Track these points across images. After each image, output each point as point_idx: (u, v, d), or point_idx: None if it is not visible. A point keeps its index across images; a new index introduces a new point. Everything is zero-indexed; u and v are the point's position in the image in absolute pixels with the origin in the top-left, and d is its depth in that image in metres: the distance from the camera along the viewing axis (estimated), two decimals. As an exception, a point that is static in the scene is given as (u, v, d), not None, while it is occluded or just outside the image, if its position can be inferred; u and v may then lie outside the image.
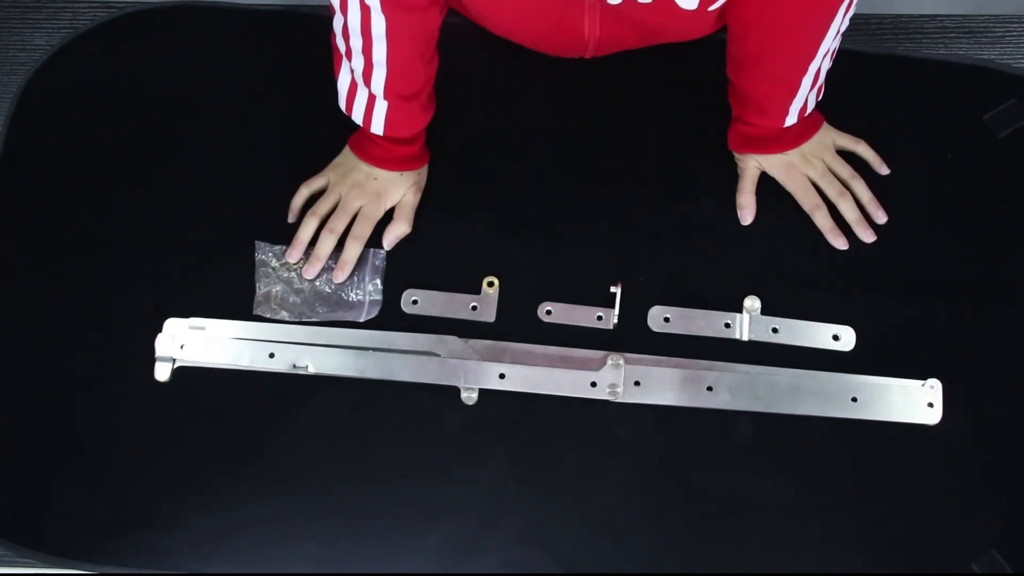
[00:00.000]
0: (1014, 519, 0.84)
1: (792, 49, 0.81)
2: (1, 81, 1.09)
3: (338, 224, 0.89)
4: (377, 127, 0.86)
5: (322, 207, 0.90)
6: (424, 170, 0.92)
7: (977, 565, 0.82)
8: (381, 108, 0.85)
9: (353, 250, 0.89)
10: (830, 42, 0.80)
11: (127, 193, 0.95)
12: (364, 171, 0.90)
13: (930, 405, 0.86)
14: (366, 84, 0.83)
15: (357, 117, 0.86)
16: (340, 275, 0.89)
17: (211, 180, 0.95)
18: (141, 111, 0.98)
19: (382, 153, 0.89)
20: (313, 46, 0.98)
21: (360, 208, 0.90)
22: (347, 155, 0.91)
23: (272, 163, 0.95)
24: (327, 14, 0.99)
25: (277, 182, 0.94)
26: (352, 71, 0.84)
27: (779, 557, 0.83)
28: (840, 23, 0.79)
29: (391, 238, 0.91)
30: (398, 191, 0.90)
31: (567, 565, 0.83)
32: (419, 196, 0.92)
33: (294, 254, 0.89)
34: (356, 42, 0.80)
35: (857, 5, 0.81)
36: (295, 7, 1.02)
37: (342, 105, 0.87)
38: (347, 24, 0.80)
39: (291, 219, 0.91)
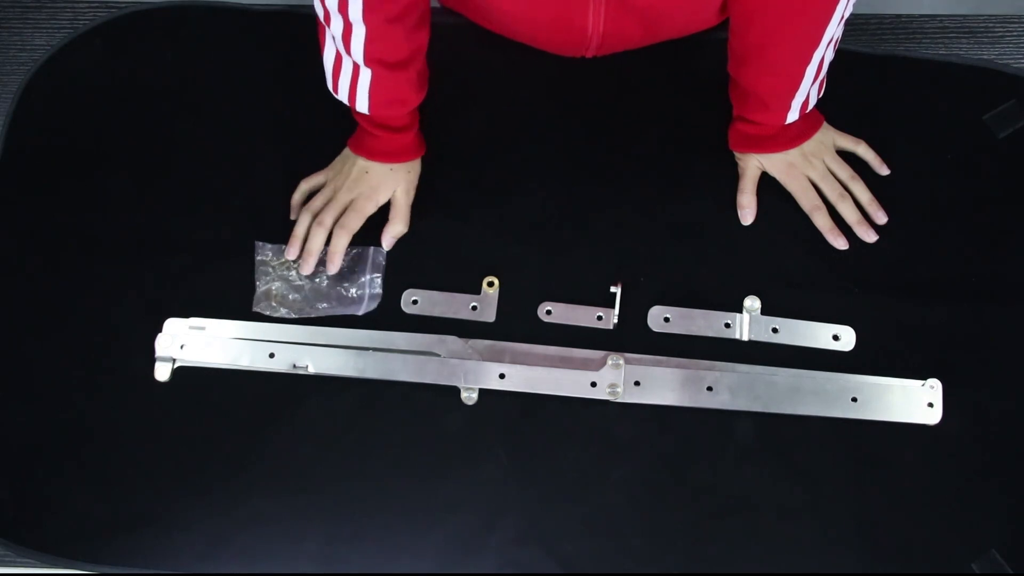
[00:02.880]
0: (1014, 519, 0.84)
1: (796, 36, 0.81)
2: (1, 81, 1.09)
3: (327, 217, 0.89)
4: (362, 103, 0.85)
5: (316, 202, 0.91)
6: (416, 167, 0.92)
7: (977, 565, 0.82)
8: (365, 79, 0.83)
9: (341, 241, 0.89)
10: (834, 29, 0.80)
11: (127, 193, 0.95)
12: (358, 165, 0.90)
13: (930, 405, 0.86)
14: (347, 49, 0.81)
15: (343, 94, 0.85)
16: (331, 267, 0.89)
17: (211, 180, 0.95)
18: (141, 111, 0.98)
19: (374, 144, 0.88)
20: (313, 46, 0.97)
21: (352, 201, 0.90)
22: (344, 153, 0.92)
23: (272, 163, 0.95)
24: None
25: (277, 182, 0.94)
26: (333, 38, 0.82)
27: (779, 557, 0.83)
28: (844, 9, 0.79)
29: (388, 238, 0.91)
30: (389, 185, 0.90)
31: (567, 565, 0.83)
32: (412, 194, 0.92)
33: (292, 251, 0.90)
34: (332, 3, 0.79)
35: (857, 4, 0.81)
36: (295, 7, 1.02)
37: (329, 84, 0.86)
38: None
39: (293, 216, 0.92)
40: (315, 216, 0.90)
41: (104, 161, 0.96)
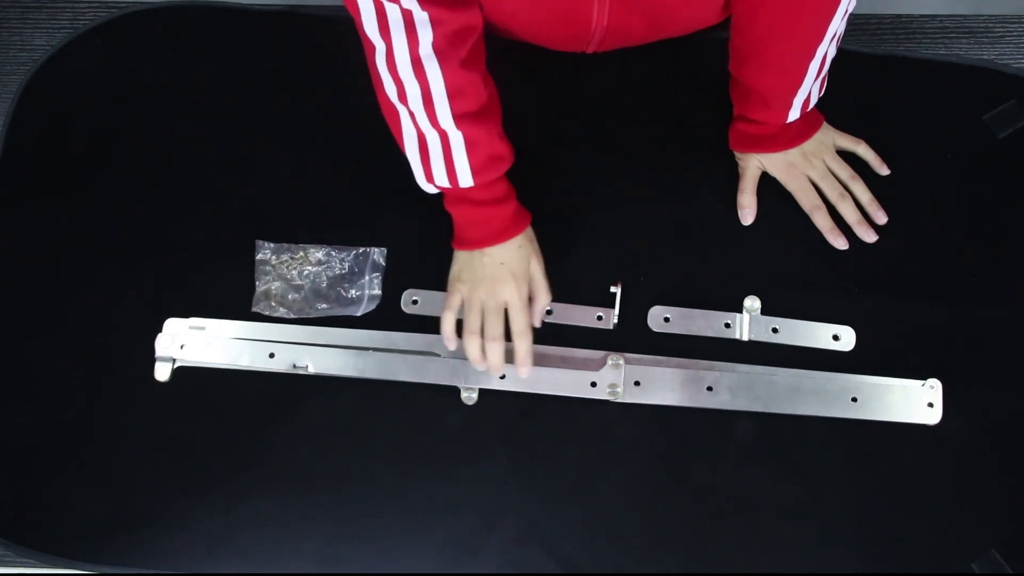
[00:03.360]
0: (1014, 519, 0.84)
1: (799, 32, 0.81)
2: (1, 81, 1.09)
3: (495, 330, 0.84)
4: (463, 173, 0.80)
5: (473, 323, 0.84)
6: (533, 235, 0.87)
7: (977, 565, 0.82)
8: (458, 144, 0.79)
9: (524, 343, 0.85)
10: (837, 24, 0.80)
11: (127, 193, 0.95)
12: (485, 262, 0.84)
13: (930, 405, 0.86)
14: (431, 119, 0.78)
15: (440, 175, 0.81)
16: (527, 370, 0.85)
17: (211, 180, 0.95)
18: (141, 111, 0.98)
19: (490, 227, 0.84)
20: (313, 46, 0.98)
21: (506, 302, 0.84)
22: (462, 260, 0.87)
23: (272, 163, 0.95)
24: (327, 14, 0.99)
25: (277, 182, 0.94)
26: (413, 116, 0.78)
27: (779, 557, 0.83)
28: (847, 3, 0.79)
29: (538, 317, 0.87)
30: (524, 263, 0.85)
31: (567, 565, 0.83)
32: (543, 262, 0.87)
33: (482, 369, 0.86)
34: (406, 70, 0.76)
35: (858, 4, 0.81)
36: (295, 7, 1.02)
37: (422, 178, 0.82)
38: (392, 53, 0.76)
39: (452, 347, 0.87)
40: (478, 334, 0.84)
41: (104, 161, 0.96)
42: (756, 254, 0.91)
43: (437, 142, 0.80)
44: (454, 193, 0.83)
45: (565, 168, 0.94)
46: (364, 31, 0.76)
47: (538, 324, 0.87)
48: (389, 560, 0.84)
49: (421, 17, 0.74)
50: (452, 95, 0.77)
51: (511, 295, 0.84)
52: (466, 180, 0.81)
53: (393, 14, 0.74)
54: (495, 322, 0.84)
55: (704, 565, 0.83)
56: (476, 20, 0.79)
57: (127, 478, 0.86)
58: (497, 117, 0.83)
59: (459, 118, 0.78)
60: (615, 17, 0.86)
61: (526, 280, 0.85)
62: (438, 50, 0.75)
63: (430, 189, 0.84)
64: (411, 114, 0.79)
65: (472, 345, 0.84)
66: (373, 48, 0.77)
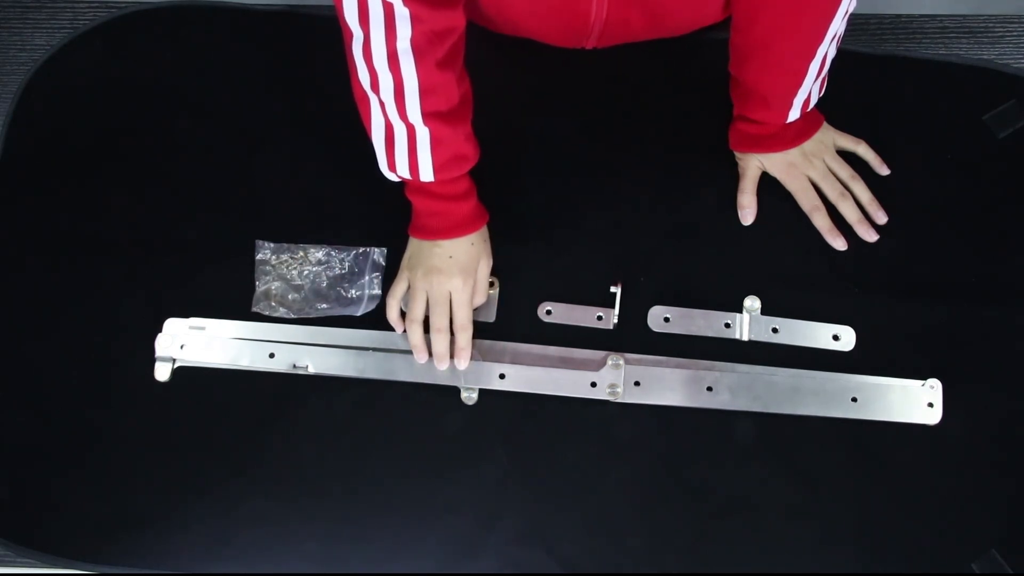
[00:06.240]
0: (1014, 519, 0.84)
1: (800, 32, 0.81)
2: (1, 81, 1.09)
3: (441, 321, 0.85)
4: (425, 168, 0.81)
5: (416, 311, 0.86)
6: (488, 236, 0.88)
7: (977, 565, 0.82)
8: (423, 141, 0.79)
9: (465, 337, 0.86)
10: (837, 24, 0.80)
11: (127, 193, 0.95)
12: (437, 253, 0.85)
13: (930, 405, 0.86)
14: (400, 112, 0.78)
15: (402, 167, 0.81)
16: (464, 362, 0.86)
17: (211, 180, 0.95)
18: (141, 111, 0.98)
19: (445, 221, 0.84)
20: (313, 46, 0.98)
21: (450, 295, 0.85)
22: (414, 247, 0.87)
23: (272, 163, 0.95)
24: (327, 14, 0.99)
25: (277, 182, 0.94)
26: (383, 105, 0.78)
27: (779, 557, 0.83)
28: (848, 4, 0.79)
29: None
30: (473, 261, 0.86)
31: (567, 565, 0.83)
32: (491, 265, 0.88)
33: (423, 358, 0.86)
34: (381, 62, 0.76)
35: (858, 4, 0.81)
36: (295, 7, 1.02)
37: (384, 166, 0.82)
38: (369, 43, 0.76)
39: (398, 331, 0.88)
40: (421, 321, 0.86)
41: (104, 161, 0.96)
42: (756, 254, 0.91)
43: (404, 134, 0.80)
44: (414, 184, 0.84)
45: (564, 167, 0.94)
46: (344, 18, 0.76)
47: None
48: (389, 560, 0.84)
49: (402, 13, 0.74)
50: (424, 93, 0.77)
51: (455, 289, 0.85)
52: (427, 175, 0.81)
53: (374, 6, 0.74)
54: (440, 315, 0.85)
55: (704, 565, 0.83)
56: (458, 21, 0.79)
57: (127, 478, 0.86)
58: (467, 117, 0.83)
59: (428, 115, 0.79)
60: (614, 10, 0.86)
61: (472, 277, 0.86)
62: (416, 47, 0.75)
63: (392, 177, 0.84)
64: (381, 104, 0.79)
65: (413, 333, 0.86)
66: (351, 35, 0.77)
